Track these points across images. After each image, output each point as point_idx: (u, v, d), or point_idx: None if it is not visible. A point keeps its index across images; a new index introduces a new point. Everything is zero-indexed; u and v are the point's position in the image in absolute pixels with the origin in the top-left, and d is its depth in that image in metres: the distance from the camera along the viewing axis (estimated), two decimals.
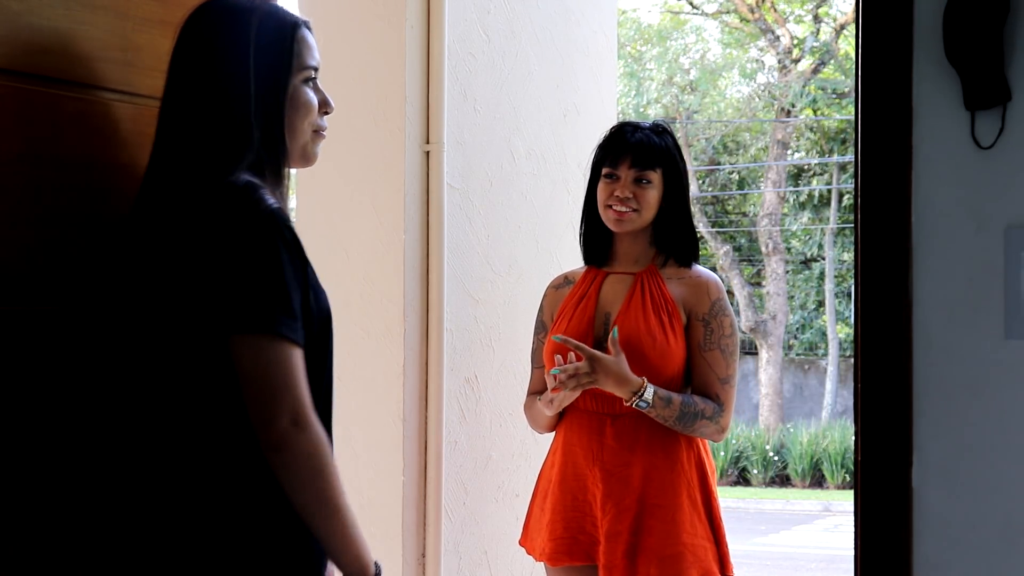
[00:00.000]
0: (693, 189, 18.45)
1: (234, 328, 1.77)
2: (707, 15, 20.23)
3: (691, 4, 20.21)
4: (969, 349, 2.09)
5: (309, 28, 1.98)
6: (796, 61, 19.24)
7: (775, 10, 19.05)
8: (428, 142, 3.45)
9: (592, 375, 2.90)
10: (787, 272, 20.02)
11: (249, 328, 1.76)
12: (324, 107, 2.00)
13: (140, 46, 2.01)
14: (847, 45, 18.50)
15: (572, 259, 3.43)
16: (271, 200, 1.84)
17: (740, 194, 21.70)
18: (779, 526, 13.64)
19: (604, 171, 3.06)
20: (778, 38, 19.17)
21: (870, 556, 2.12)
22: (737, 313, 18.10)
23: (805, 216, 20.73)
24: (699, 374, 3.02)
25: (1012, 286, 2.07)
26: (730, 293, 18.35)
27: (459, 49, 3.52)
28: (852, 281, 17.22)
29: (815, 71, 19.03)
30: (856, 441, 2.14)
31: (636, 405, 2.91)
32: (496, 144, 3.70)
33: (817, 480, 16.69)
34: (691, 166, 19.38)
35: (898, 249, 2.11)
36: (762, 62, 20.28)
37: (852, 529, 2.18)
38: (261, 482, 1.80)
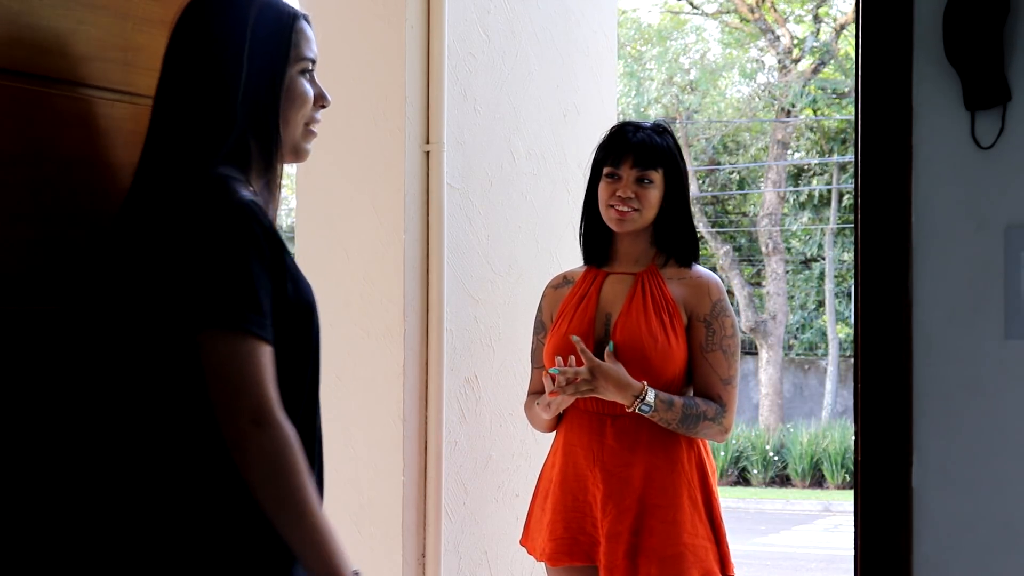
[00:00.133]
0: (693, 189, 18.45)
1: (199, 324, 1.75)
2: (707, 15, 20.23)
3: (691, 4, 20.21)
4: (969, 349, 2.09)
5: (308, 21, 1.97)
6: (796, 61, 19.24)
7: (775, 10, 19.05)
8: (428, 142, 3.45)
9: (592, 383, 2.90)
10: (787, 272, 20.02)
11: (212, 324, 1.75)
12: (320, 100, 1.98)
13: (140, 46, 2.01)
14: (847, 45, 18.50)
15: (572, 259, 3.43)
16: (243, 193, 1.82)
17: (740, 194, 21.70)
18: (779, 526, 13.64)
19: (606, 171, 3.06)
20: (778, 38, 19.17)
21: (870, 556, 2.12)
22: (737, 313, 18.09)
23: (805, 216, 20.74)
24: (701, 375, 3.02)
25: (1012, 286, 2.07)
26: (730, 293, 18.35)
27: (459, 49, 3.52)
28: (852, 281, 17.22)
29: (815, 71, 19.03)
30: (856, 441, 2.14)
31: (639, 410, 2.91)
32: (496, 144, 3.70)
33: (817, 480, 16.69)
34: (691, 166, 19.38)
35: (898, 249, 2.11)
36: (762, 62, 20.29)
37: (852, 529, 2.18)
38: (232, 481, 1.78)
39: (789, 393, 19.98)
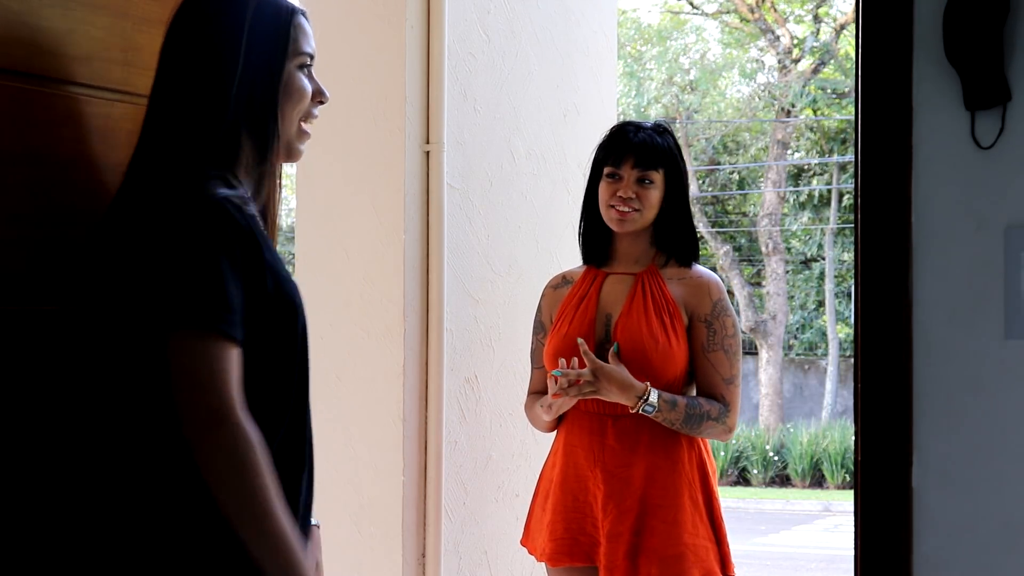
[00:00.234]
0: (693, 189, 18.46)
1: (164, 323, 1.74)
2: (707, 15, 20.23)
3: (691, 4, 20.21)
4: (969, 349, 2.09)
5: (306, 17, 1.97)
6: (796, 61, 19.24)
7: (775, 10, 19.05)
8: (428, 142, 3.45)
9: (594, 384, 2.90)
10: (787, 272, 20.02)
11: (175, 322, 1.73)
12: (318, 96, 1.96)
13: (140, 46, 2.01)
14: (847, 45, 18.50)
15: (572, 259, 3.43)
16: (219, 190, 1.80)
17: (740, 194, 21.70)
18: (779, 526, 13.64)
19: (606, 171, 3.06)
20: (778, 38, 19.17)
21: (870, 556, 2.11)
22: (737, 313, 18.09)
23: (805, 216, 20.73)
24: (703, 375, 3.02)
25: (1012, 286, 2.07)
26: (730, 293, 18.34)
27: (459, 49, 3.52)
28: (852, 281, 17.22)
29: (815, 71, 19.03)
30: (856, 441, 2.13)
31: (642, 410, 2.91)
32: (496, 144, 3.70)
33: (817, 480, 16.69)
34: (691, 166, 19.38)
35: (898, 249, 2.11)
36: (762, 62, 20.28)
37: (852, 529, 2.18)
38: (200, 483, 1.75)
39: (789, 393, 19.98)
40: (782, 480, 16.98)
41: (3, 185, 1.83)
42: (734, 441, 16.88)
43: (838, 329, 19.81)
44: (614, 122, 3.47)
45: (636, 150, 3.03)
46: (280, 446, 1.85)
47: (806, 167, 20.90)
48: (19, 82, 1.85)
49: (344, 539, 3.44)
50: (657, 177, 3.03)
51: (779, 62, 19.32)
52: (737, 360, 3.05)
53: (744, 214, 22.00)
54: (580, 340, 2.94)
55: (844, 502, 14.74)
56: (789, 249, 20.87)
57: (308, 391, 1.94)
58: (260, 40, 1.88)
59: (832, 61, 19.08)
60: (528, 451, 3.74)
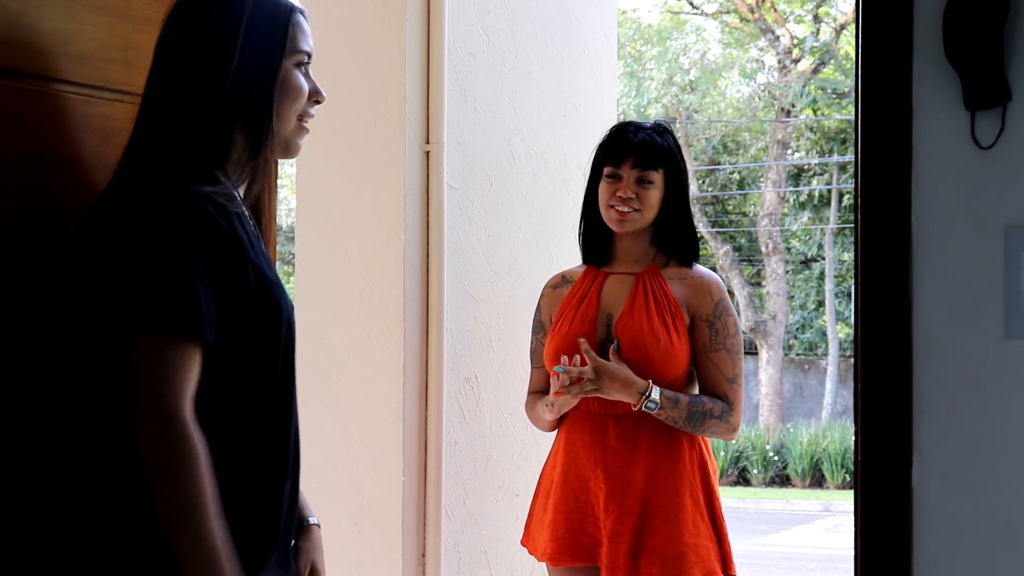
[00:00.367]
0: (693, 189, 18.45)
1: (126, 320, 1.72)
2: (707, 15, 20.23)
3: (691, 4, 20.21)
4: (969, 349, 2.09)
5: (304, 15, 1.96)
6: (796, 61, 19.24)
7: (775, 10, 19.05)
8: (428, 142, 3.45)
9: (596, 382, 2.90)
10: (787, 272, 20.02)
11: (135, 320, 1.71)
12: (315, 96, 1.95)
13: (140, 46, 2.01)
14: (847, 45, 18.50)
15: (572, 259, 3.43)
16: (199, 187, 1.78)
17: (740, 194, 21.70)
18: (779, 526, 13.64)
19: (606, 171, 3.06)
20: (778, 38, 19.17)
21: (870, 556, 2.11)
22: (737, 313, 18.09)
23: (805, 216, 20.73)
24: (706, 375, 3.02)
25: (1012, 286, 2.07)
26: (730, 293, 18.32)
27: (459, 49, 3.52)
28: (852, 281, 17.22)
29: (815, 71, 19.03)
30: (856, 441, 2.13)
31: (645, 407, 2.91)
32: (496, 144, 3.70)
33: (817, 480, 16.69)
34: (691, 166, 19.38)
35: (898, 249, 2.11)
36: (762, 62, 20.28)
37: (852, 529, 2.18)
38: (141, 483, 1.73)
39: (789, 393, 19.98)
40: (782, 480, 16.98)
41: (3, 185, 1.83)
42: (734, 441, 16.88)
43: (838, 329, 19.81)
44: (614, 122, 3.47)
45: (636, 150, 3.03)
46: (260, 451, 1.83)
47: (806, 167, 20.90)
48: (19, 82, 1.85)
49: (344, 539, 3.44)
50: (657, 177, 3.03)
51: (779, 62, 19.32)
52: (739, 359, 3.05)
53: (744, 214, 22.00)
54: (581, 340, 2.94)
55: (844, 502, 14.74)
56: (789, 249, 20.87)
57: (294, 396, 1.91)
58: (257, 36, 1.87)
59: (832, 61, 19.08)
60: (528, 451, 3.74)
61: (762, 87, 20.35)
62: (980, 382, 2.09)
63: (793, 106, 19.18)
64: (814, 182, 20.75)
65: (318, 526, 2.07)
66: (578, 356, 2.96)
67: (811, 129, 20.35)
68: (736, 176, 21.61)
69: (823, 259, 20.48)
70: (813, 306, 21.43)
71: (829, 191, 20.35)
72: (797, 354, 20.99)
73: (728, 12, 19.97)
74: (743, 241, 21.82)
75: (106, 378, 1.76)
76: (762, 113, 20.58)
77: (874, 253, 2.12)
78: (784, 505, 15.32)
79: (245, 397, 1.81)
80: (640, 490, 2.94)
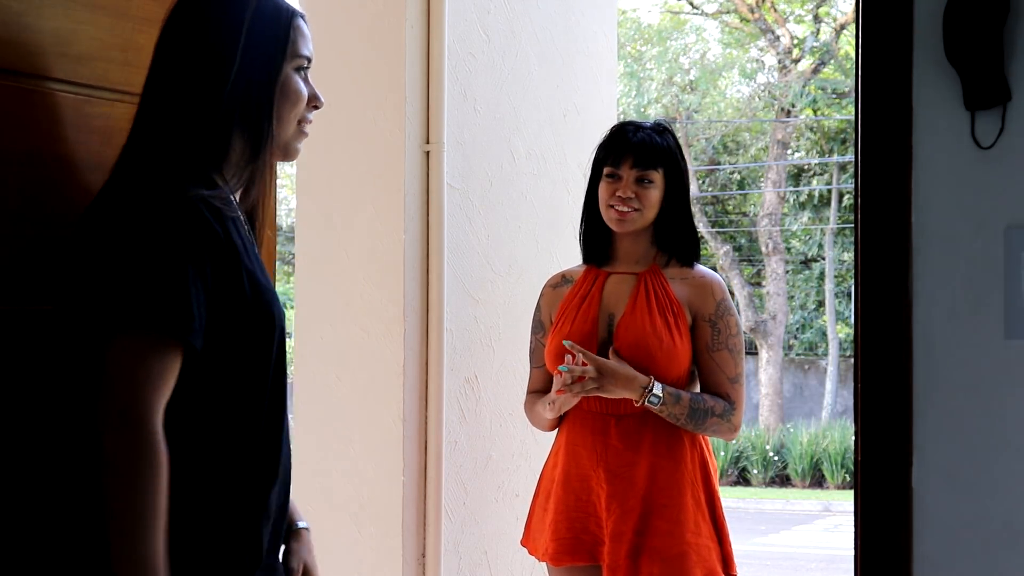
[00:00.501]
0: (693, 189, 18.43)
1: (109, 321, 1.71)
2: (707, 15, 20.23)
3: (691, 4, 20.21)
4: (969, 349, 2.09)
5: (305, 21, 1.96)
6: (796, 61, 19.24)
7: (775, 10, 19.05)
8: (428, 142, 3.45)
9: (598, 381, 2.90)
10: (787, 272, 20.02)
11: (117, 321, 1.70)
12: (313, 101, 1.94)
13: (140, 46, 2.01)
14: (847, 45, 18.50)
15: (572, 259, 3.43)
16: (198, 190, 1.78)
17: (740, 194, 21.70)
18: (779, 526, 13.64)
19: (606, 171, 3.06)
20: (778, 38, 19.17)
21: (870, 556, 2.11)
22: (737, 312, 18.08)
23: (805, 216, 20.73)
24: (708, 375, 3.02)
25: (1012, 286, 2.07)
26: (730, 293, 18.32)
27: (459, 49, 3.52)
28: (852, 281, 17.22)
29: (815, 71, 19.03)
30: (856, 441, 2.13)
31: (648, 402, 2.90)
32: (496, 144, 3.70)
33: (817, 480, 16.69)
34: (691, 166, 19.37)
35: (898, 249, 2.11)
36: (762, 62, 20.28)
37: (852, 529, 2.18)
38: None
39: (789, 393, 19.98)
40: (782, 480, 16.98)
41: (2, 185, 1.83)
42: (734, 441, 16.89)
43: (838, 329, 19.81)
44: (614, 122, 3.47)
45: (635, 150, 3.03)
46: (250, 456, 1.82)
47: (806, 167, 20.90)
48: (18, 82, 1.85)
49: (344, 539, 3.44)
50: (656, 177, 3.03)
51: (779, 62, 19.32)
52: (741, 359, 3.05)
53: (744, 214, 21.99)
54: (568, 343, 2.94)
55: (844, 502, 14.74)
56: (789, 249, 20.87)
57: (284, 403, 1.89)
58: (259, 39, 1.86)
59: (832, 61, 19.08)
60: (528, 451, 3.74)
61: (762, 87, 20.35)
62: (980, 382, 2.09)
63: (793, 106, 19.18)
64: (814, 182, 20.75)
65: (308, 530, 2.06)
66: (582, 356, 2.95)
67: (811, 129, 20.35)
68: (736, 176, 21.61)
69: (823, 259, 20.48)
70: (813, 306, 21.43)
71: (829, 191, 20.35)
72: (797, 354, 20.99)
73: (728, 12, 19.97)
74: (743, 241, 21.82)
75: (89, 378, 1.75)
76: (762, 113, 20.58)
77: (874, 253, 2.12)
78: (784, 505, 15.33)
79: (236, 403, 1.80)
80: (642, 490, 2.94)
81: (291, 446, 1.93)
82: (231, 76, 1.84)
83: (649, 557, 2.91)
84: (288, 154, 1.95)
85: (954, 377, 2.10)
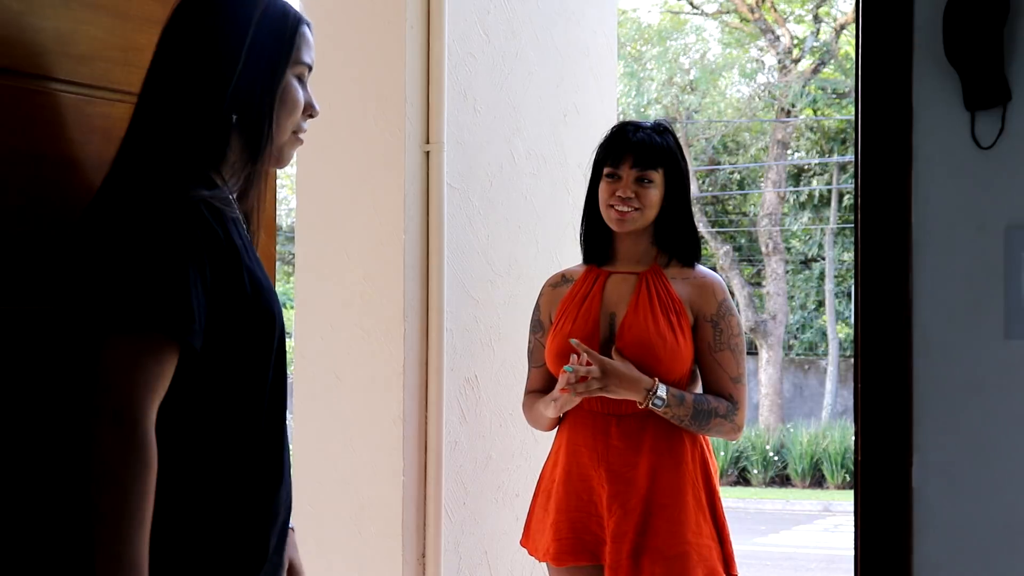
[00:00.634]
0: (693, 189, 18.40)
1: (105, 320, 1.71)
2: (707, 15, 20.23)
3: (691, 4, 20.21)
4: (969, 349, 2.09)
5: (310, 28, 1.96)
6: (796, 61, 19.24)
7: (775, 10, 19.05)
8: (428, 142, 3.45)
9: (602, 381, 2.90)
10: (787, 272, 20.01)
11: (113, 320, 1.70)
12: (308, 110, 1.94)
13: (140, 46, 2.01)
14: (847, 45, 18.50)
15: (572, 259, 3.43)
16: (199, 190, 1.77)
17: (740, 194, 21.70)
18: (779, 526, 13.64)
19: (606, 171, 3.06)
20: (778, 38, 19.17)
21: (870, 556, 2.11)
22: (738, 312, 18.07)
23: (805, 216, 20.73)
24: (711, 375, 3.02)
25: (1012, 286, 2.07)
26: (730, 293, 18.32)
27: (459, 49, 3.52)
28: (852, 281, 17.21)
29: (815, 71, 19.03)
30: (856, 441, 2.13)
31: (652, 404, 2.90)
32: (496, 144, 3.70)
33: (817, 480, 16.69)
34: (691, 166, 19.36)
35: (898, 249, 2.11)
36: (762, 62, 20.28)
37: (852, 529, 2.18)
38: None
39: (789, 393, 19.97)
40: (782, 480, 16.98)
41: (3, 185, 1.83)
42: (734, 441, 16.87)
43: (838, 329, 19.81)
44: (614, 122, 3.47)
45: (635, 150, 3.03)
46: (252, 456, 1.82)
47: (806, 167, 20.90)
48: (19, 82, 1.85)
49: (344, 539, 3.44)
50: (656, 176, 3.03)
51: (779, 62, 19.32)
52: (743, 359, 3.06)
53: (744, 214, 21.99)
54: (574, 341, 2.93)
55: (844, 502, 14.74)
56: (789, 249, 20.86)
57: (284, 403, 1.89)
58: (265, 41, 1.86)
59: (832, 61, 19.08)
60: (528, 451, 3.74)
61: (762, 87, 20.35)
62: (980, 382, 2.09)
63: (793, 106, 19.18)
64: (814, 182, 20.75)
65: (292, 529, 2.06)
66: (586, 355, 2.95)
67: (811, 129, 20.35)
68: (736, 176, 21.61)
69: (823, 259, 20.48)
70: (813, 306, 21.43)
71: (829, 191, 20.35)
72: (797, 354, 20.98)
73: (728, 12, 19.97)
74: (743, 241, 21.82)
75: (87, 377, 1.75)
76: (762, 113, 20.58)
77: (874, 253, 2.12)
78: (784, 505, 15.32)
79: (236, 403, 1.80)
80: (643, 490, 2.94)
81: (290, 446, 1.93)
82: (234, 76, 1.84)
83: (651, 557, 2.91)
84: (281, 161, 1.94)
85: (954, 377, 2.09)
